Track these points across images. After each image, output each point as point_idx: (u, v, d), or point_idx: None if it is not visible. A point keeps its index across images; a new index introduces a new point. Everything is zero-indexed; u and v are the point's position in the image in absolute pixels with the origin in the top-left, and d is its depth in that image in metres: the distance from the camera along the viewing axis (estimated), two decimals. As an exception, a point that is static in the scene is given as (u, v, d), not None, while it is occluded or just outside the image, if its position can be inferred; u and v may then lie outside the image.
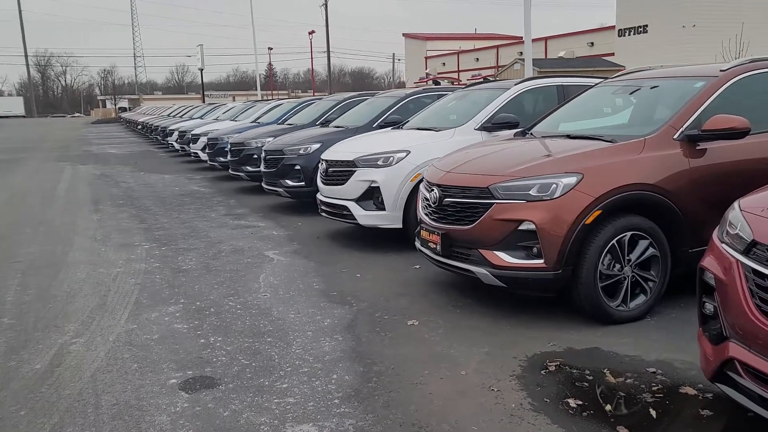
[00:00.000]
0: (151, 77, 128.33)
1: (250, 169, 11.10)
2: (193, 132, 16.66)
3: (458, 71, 63.18)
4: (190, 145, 16.66)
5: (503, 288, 4.23)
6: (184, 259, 6.34)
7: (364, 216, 6.39)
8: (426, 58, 74.83)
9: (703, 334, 2.76)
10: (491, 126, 6.46)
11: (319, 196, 7.19)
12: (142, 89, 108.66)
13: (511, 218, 4.05)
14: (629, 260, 4.06)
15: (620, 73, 5.85)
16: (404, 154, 6.26)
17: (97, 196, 11.31)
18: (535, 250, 3.99)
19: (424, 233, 4.72)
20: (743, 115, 4.11)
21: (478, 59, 65.62)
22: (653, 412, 2.96)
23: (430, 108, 7.90)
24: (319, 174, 7.26)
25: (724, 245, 2.62)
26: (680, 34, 40.00)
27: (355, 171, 6.48)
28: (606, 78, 6.11)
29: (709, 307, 2.72)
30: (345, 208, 6.54)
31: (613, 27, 47.66)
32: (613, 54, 44.13)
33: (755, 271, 2.35)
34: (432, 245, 4.58)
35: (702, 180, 4.20)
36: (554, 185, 3.98)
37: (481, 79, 37.34)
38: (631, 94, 5.26)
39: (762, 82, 4.61)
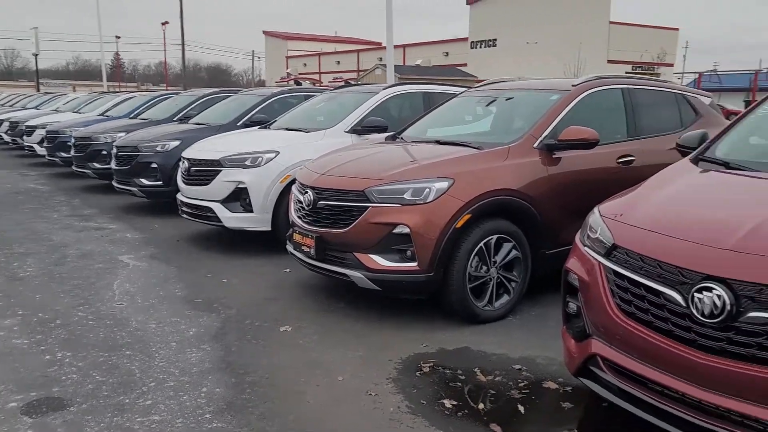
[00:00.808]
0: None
1: (98, 166, 10.25)
2: (27, 123, 15.16)
3: (320, 73, 63.28)
4: (24, 137, 15.22)
5: (377, 291, 4.25)
6: (21, 266, 5.67)
7: (231, 218, 6.13)
8: (287, 57, 74.08)
9: (566, 332, 2.95)
10: (361, 129, 6.50)
11: (179, 196, 6.80)
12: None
13: (386, 221, 4.08)
14: (495, 262, 4.26)
15: (483, 83, 6.16)
16: (273, 154, 6.10)
17: None
18: (409, 253, 4.05)
19: (297, 236, 4.62)
20: (592, 127, 4.50)
21: (339, 62, 66.21)
22: (521, 408, 3.11)
23: (298, 109, 7.79)
24: (179, 173, 6.86)
25: (586, 248, 2.82)
26: (525, 49, 43.38)
27: (220, 171, 6.19)
28: (469, 87, 6.40)
29: (572, 306, 2.91)
30: (209, 209, 6.23)
31: (466, 39, 50.37)
32: (466, 64, 46.55)
33: (616, 273, 2.55)
34: (306, 249, 4.50)
35: (558, 186, 4.52)
36: (427, 189, 4.08)
37: (343, 82, 37.73)
38: (493, 103, 5.55)
39: (607, 97, 5.08)
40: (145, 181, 8.20)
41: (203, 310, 4.52)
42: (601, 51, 44.08)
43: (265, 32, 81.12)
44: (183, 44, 59.30)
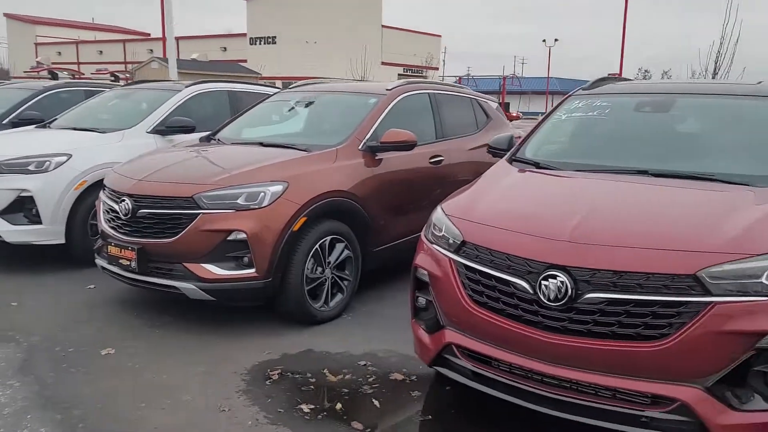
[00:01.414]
0: None
1: None
2: None
3: (78, 63, 57.42)
4: None
5: (210, 302, 4.06)
6: None
7: (13, 232, 5.32)
8: (36, 44, 65.85)
9: (417, 324, 3.16)
10: (165, 129, 6.10)
11: None
12: None
13: (219, 228, 3.91)
14: (329, 262, 4.34)
15: (298, 83, 6.18)
16: (65, 158, 5.43)
17: None
18: (246, 259, 3.94)
19: (113, 249, 4.19)
20: (407, 130, 4.81)
21: (102, 52, 60.87)
22: (376, 402, 3.25)
23: (84, 105, 7.02)
24: None
25: (435, 245, 3.04)
26: (305, 48, 44.19)
27: None
28: (276, 87, 6.38)
29: (421, 300, 3.12)
30: None
31: (244, 35, 49.64)
32: (246, 60, 45.88)
33: (467, 267, 2.80)
34: (124, 262, 4.11)
35: (381, 186, 4.74)
36: (262, 194, 4.00)
37: (110, 75, 34.59)
38: (310, 105, 5.61)
39: (417, 101, 5.46)
40: None
41: None
42: (375, 53, 46.70)
43: (6, 15, 71.05)
44: None
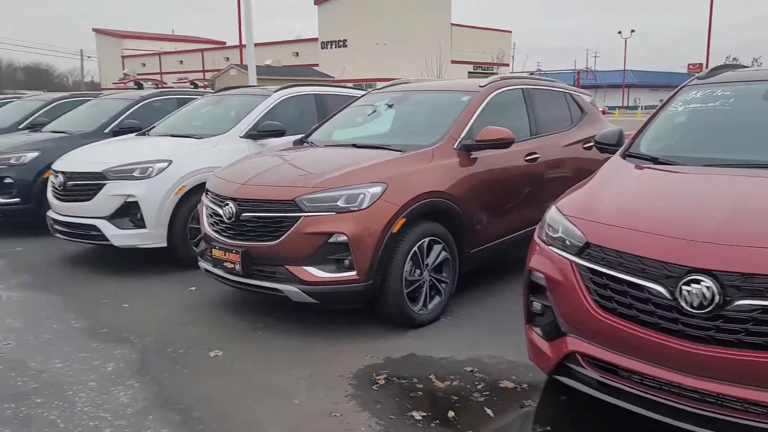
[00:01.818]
0: None
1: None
2: None
3: (161, 73, 60.00)
4: None
5: (310, 304, 4.05)
6: None
7: (120, 236, 5.53)
8: (123, 57, 69.39)
9: (532, 330, 3.01)
10: (257, 134, 6.19)
11: (51, 214, 6.02)
12: None
13: (321, 231, 3.89)
14: (427, 264, 4.24)
15: (386, 84, 6.12)
16: (165, 164, 5.60)
17: None
18: (347, 262, 3.91)
19: (217, 252, 4.26)
20: (502, 127, 4.64)
21: (182, 62, 63.33)
22: (489, 411, 3.12)
23: (180, 113, 7.24)
24: (50, 188, 6.07)
25: (551, 247, 2.88)
26: (375, 50, 44.40)
27: (105, 184, 5.56)
28: (373, 89, 6.33)
29: (537, 305, 2.97)
30: (92, 227, 5.57)
31: (315, 39, 50.41)
32: (317, 64, 46.57)
33: (592, 270, 2.63)
34: (229, 265, 4.16)
35: (477, 186, 4.60)
36: (362, 195, 3.95)
37: (189, 83, 35.91)
38: (401, 105, 5.54)
39: (511, 97, 5.28)
40: None
41: (113, 342, 4.03)
42: (445, 52, 46.35)
43: (95, 30, 75.27)
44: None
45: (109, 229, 5.52)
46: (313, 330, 4.20)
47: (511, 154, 4.89)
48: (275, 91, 6.77)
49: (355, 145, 4.84)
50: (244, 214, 4.11)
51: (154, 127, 7.00)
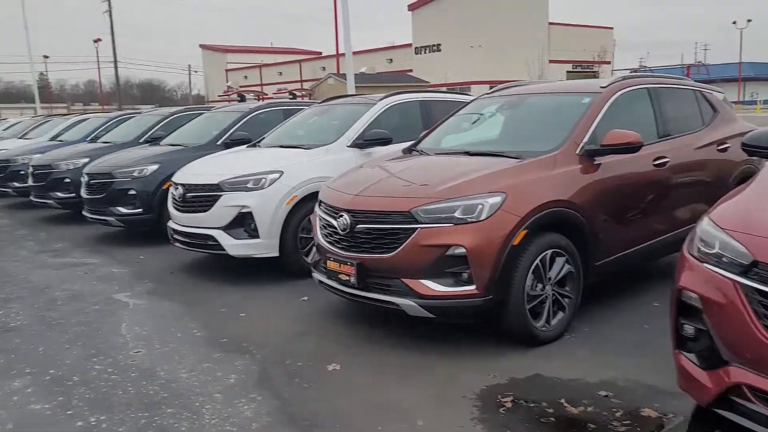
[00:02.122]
0: None
1: (61, 195, 9.56)
2: None
3: (261, 84, 62.43)
4: None
5: (429, 319, 3.92)
6: (8, 314, 5.06)
7: (235, 246, 5.65)
8: (226, 70, 72.84)
9: (683, 356, 2.71)
10: (363, 143, 6.16)
11: (172, 224, 6.28)
12: None
13: (438, 243, 3.75)
14: (550, 278, 4.00)
15: (496, 87, 5.90)
16: (277, 174, 5.67)
17: None
18: (465, 275, 3.74)
19: (332, 264, 4.22)
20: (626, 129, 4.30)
21: (281, 73, 65.54)
22: (631, 441, 2.86)
23: (287, 124, 7.37)
24: (171, 200, 6.33)
25: (707, 265, 2.58)
26: (470, 53, 43.93)
27: (221, 195, 5.72)
28: (482, 94, 6.14)
29: (689, 328, 2.67)
30: (210, 237, 5.73)
31: (407, 45, 50.63)
32: (411, 70, 46.75)
33: (761, 292, 2.32)
34: (344, 277, 4.12)
35: (601, 194, 4.29)
36: (480, 206, 3.77)
37: (288, 94, 37.00)
38: (512, 109, 5.32)
39: (636, 98, 4.92)
40: (123, 210, 7.59)
41: (234, 352, 4.08)
42: (542, 51, 45.10)
43: (202, 46, 79.59)
44: (115, 61, 57.38)
45: (225, 240, 5.66)
46: (429, 345, 4.06)
47: (637, 158, 4.53)
48: (380, 100, 6.73)
49: (468, 153, 4.67)
50: (358, 226, 4.05)
51: (263, 138, 7.15)
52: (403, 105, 6.94)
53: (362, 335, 4.31)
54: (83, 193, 8.20)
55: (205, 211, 5.80)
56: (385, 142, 6.09)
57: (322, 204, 4.54)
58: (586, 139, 4.35)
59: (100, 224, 8.09)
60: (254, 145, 7.10)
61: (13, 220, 10.12)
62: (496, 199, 3.81)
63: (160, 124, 10.29)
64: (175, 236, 6.21)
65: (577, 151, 4.29)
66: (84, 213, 8.21)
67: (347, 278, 4.10)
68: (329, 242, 4.32)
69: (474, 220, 3.76)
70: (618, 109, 4.68)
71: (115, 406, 3.33)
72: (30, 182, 10.01)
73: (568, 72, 46.76)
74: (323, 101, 7.91)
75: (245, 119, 8.36)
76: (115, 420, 3.18)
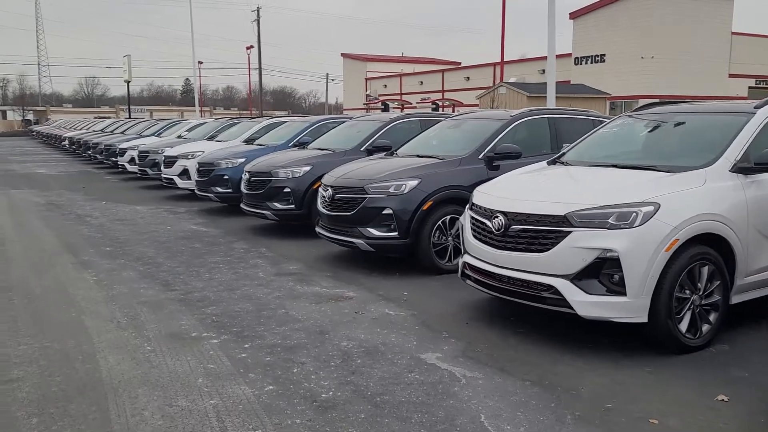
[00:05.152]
0: (56, 88, 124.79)
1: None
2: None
3: (401, 93, 64.92)
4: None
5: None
6: (308, 377, 4.21)
7: (587, 304, 4.52)
8: (366, 79, 76.28)
9: None
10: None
11: (470, 260, 5.43)
12: (47, 100, 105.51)
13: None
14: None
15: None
16: (652, 207, 4.53)
17: (68, 240, 9.29)
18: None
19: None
20: None
21: (422, 82, 67.34)
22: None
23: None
24: (494, 233, 5.09)
25: None
26: (639, 64, 43.36)
27: (570, 232, 4.58)
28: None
29: None
30: (548, 288, 4.65)
31: (567, 55, 50.76)
32: (569, 81, 47.02)
33: None
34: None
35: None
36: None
37: (431, 104, 38.67)
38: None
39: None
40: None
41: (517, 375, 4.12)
42: (721, 64, 43.71)
43: (343, 54, 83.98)
44: (260, 69, 63.21)
45: (573, 294, 4.59)
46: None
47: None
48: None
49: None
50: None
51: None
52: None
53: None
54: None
55: (543, 251, 4.72)
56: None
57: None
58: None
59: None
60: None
61: (222, 230, 10.26)
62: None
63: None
64: (491, 282, 5.16)
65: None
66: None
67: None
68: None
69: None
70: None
71: None
72: (244, 189, 10.06)
73: (750, 88, 44.72)
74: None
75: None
76: None
